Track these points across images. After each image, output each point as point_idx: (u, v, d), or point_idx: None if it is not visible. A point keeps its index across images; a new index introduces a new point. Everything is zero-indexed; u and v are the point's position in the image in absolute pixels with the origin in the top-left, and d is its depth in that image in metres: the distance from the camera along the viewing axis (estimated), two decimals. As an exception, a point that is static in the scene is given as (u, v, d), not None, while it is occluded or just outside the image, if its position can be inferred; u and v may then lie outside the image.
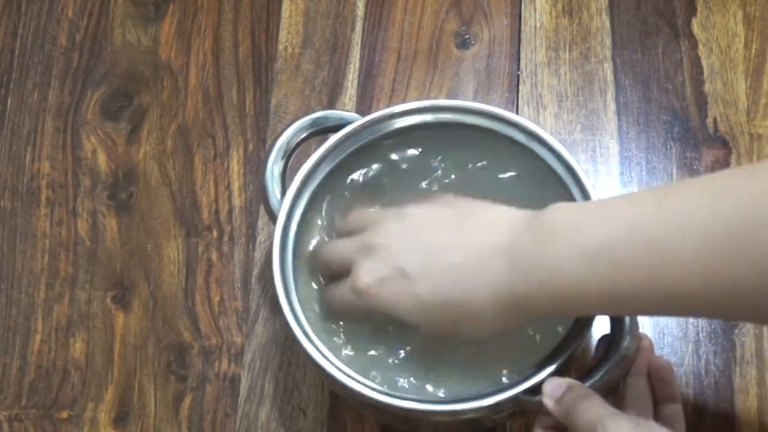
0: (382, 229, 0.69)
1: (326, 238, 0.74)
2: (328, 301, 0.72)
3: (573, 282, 0.61)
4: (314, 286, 0.74)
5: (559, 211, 0.63)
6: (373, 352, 0.71)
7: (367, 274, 0.68)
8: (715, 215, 0.56)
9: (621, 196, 0.64)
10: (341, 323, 0.72)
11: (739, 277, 0.55)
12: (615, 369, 0.66)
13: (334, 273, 0.72)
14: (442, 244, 0.66)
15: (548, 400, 0.65)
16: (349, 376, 0.68)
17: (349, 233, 0.72)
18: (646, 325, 0.79)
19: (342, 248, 0.71)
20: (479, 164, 0.76)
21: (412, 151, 0.77)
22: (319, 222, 0.75)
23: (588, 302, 0.62)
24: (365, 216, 0.72)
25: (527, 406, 0.67)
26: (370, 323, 0.71)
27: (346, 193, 0.75)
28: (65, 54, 0.90)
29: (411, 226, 0.68)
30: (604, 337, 0.69)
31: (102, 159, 0.86)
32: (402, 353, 0.71)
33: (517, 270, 0.63)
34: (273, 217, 0.73)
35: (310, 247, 0.74)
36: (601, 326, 0.71)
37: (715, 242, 0.56)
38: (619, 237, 0.59)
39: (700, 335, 0.79)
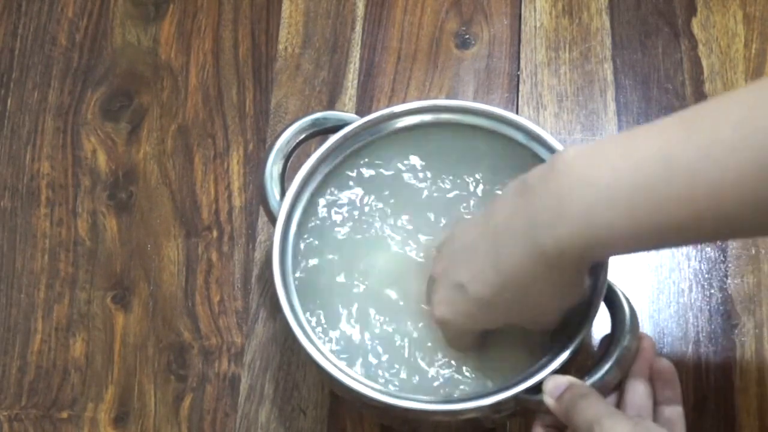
0: (437, 262, 0.71)
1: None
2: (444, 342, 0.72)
3: (606, 226, 0.58)
4: None
5: (571, 157, 0.60)
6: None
7: (437, 306, 0.69)
8: (751, 135, 0.54)
9: (640, 129, 0.59)
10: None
11: None
12: (615, 368, 0.66)
13: None
14: (475, 242, 0.66)
15: (548, 399, 0.65)
16: (349, 376, 0.68)
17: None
18: (646, 325, 0.79)
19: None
20: (476, 175, 0.76)
21: (410, 153, 0.77)
22: (318, 223, 0.75)
23: (625, 244, 0.59)
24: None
25: (528, 405, 0.67)
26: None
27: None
28: (65, 54, 0.90)
29: (449, 247, 0.69)
30: (605, 337, 0.69)
31: (102, 159, 0.86)
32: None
33: (541, 227, 0.60)
34: (272, 218, 0.73)
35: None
36: (602, 325, 0.71)
37: (755, 163, 0.54)
38: (653, 176, 0.56)
39: (700, 335, 0.79)
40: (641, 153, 0.57)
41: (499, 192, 0.74)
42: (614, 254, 0.64)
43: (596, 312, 0.68)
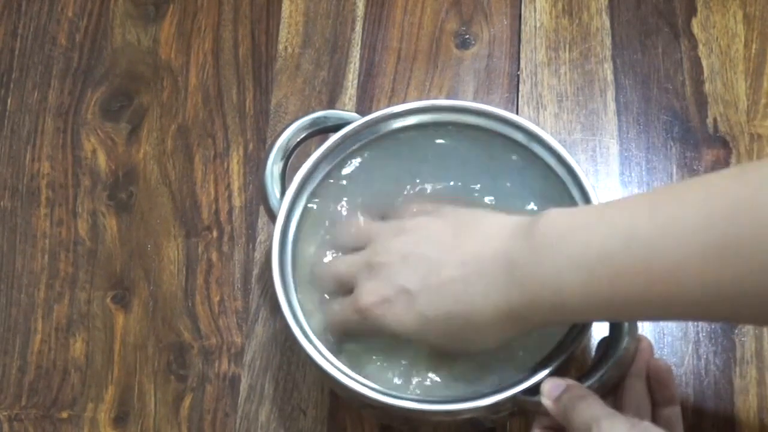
0: (381, 246, 0.69)
1: (326, 251, 0.74)
2: (330, 318, 0.71)
3: (571, 292, 0.61)
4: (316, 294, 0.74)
5: (554, 220, 0.63)
6: (373, 365, 0.71)
7: (370, 295, 0.68)
8: (710, 218, 0.56)
9: (615, 202, 0.63)
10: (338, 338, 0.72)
11: (742, 279, 0.55)
12: (613, 370, 0.66)
13: (336, 291, 0.72)
14: (440, 259, 0.66)
15: (546, 400, 0.65)
16: (348, 376, 0.68)
17: (348, 248, 0.72)
18: (646, 325, 0.79)
19: (343, 267, 0.72)
20: (475, 175, 0.76)
21: (410, 153, 0.77)
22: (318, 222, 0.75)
23: (587, 311, 0.62)
24: (364, 231, 0.73)
25: (526, 406, 0.67)
26: (368, 341, 0.71)
27: (343, 202, 0.75)
28: (65, 54, 0.90)
29: (410, 241, 0.68)
30: (603, 339, 0.69)
31: (102, 159, 0.86)
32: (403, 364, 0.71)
33: (514, 280, 0.63)
34: (273, 217, 0.73)
35: (309, 260, 0.74)
36: (601, 327, 0.71)
37: (713, 246, 0.56)
38: (615, 247, 0.59)
39: (700, 335, 0.79)
40: (610, 225, 0.60)
41: (490, 200, 0.74)
42: (590, 320, 0.68)
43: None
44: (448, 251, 0.66)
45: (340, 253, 0.73)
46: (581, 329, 0.68)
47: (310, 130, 0.76)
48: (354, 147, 0.75)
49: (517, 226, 0.64)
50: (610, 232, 0.60)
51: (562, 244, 0.61)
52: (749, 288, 0.55)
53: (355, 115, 0.76)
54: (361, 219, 0.74)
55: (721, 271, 0.55)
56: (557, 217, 0.63)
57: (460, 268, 0.65)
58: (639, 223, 0.59)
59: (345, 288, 0.70)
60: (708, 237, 0.56)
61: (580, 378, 0.66)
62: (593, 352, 0.71)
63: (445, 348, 0.69)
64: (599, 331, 0.73)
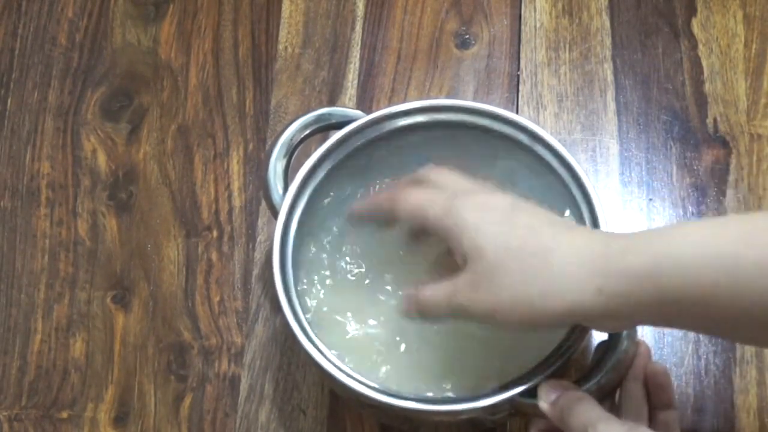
0: (474, 231, 0.63)
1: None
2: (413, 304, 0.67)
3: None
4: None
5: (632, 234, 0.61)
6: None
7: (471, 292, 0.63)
8: None
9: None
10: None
11: None
12: (611, 373, 0.66)
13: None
14: (535, 257, 0.62)
15: (543, 403, 0.65)
16: (349, 375, 0.68)
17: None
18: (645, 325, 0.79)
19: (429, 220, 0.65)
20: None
21: (414, 152, 0.77)
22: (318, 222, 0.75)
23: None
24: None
25: (523, 408, 0.67)
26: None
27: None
28: (65, 54, 0.90)
29: (503, 226, 0.63)
30: (602, 342, 0.69)
31: (102, 159, 0.86)
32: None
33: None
34: (275, 213, 0.73)
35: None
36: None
37: None
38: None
39: (700, 335, 0.79)
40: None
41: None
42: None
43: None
44: (539, 249, 0.62)
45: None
46: (580, 332, 0.68)
47: (314, 127, 0.76)
48: (357, 144, 0.75)
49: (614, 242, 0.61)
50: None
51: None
52: None
53: (359, 112, 0.76)
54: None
55: None
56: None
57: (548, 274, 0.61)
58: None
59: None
60: None
61: (578, 381, 0.66)
62: (592, 356, 0.71)
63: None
64: (598, 333, 0.73)
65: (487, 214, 0.63)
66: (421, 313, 0.66)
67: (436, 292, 0.64)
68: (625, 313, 0.59)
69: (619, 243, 0.60)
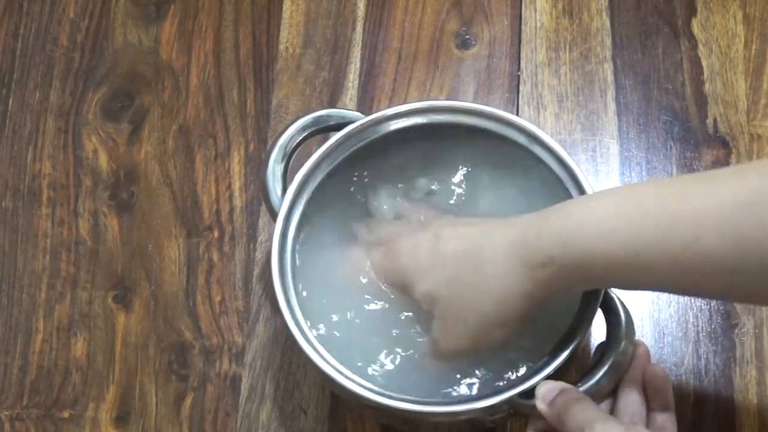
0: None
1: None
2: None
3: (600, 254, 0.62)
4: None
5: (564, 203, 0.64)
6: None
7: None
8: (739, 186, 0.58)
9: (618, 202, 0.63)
10: None
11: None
12: (610, 374, 0.67)
13: None
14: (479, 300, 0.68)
15: (541, 404, 0.65)
16: (347, 377, 0.68)
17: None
18: (646, 325, 0.80)
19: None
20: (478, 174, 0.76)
21: (413, 153, 0.77)
22: (319, 221, 0.75)
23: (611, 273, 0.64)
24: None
25: (521, 409, 0.67)
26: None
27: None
28: (66, 54, 0.90)
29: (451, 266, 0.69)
30: (601, 344, 0.69)
31: (103, 159, 0.86)
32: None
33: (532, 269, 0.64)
34: (274, 215, 0.73)
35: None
36: (599, 331, 0.71)
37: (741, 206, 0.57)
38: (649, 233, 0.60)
39: (700, 335, 0.79)
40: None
41: (491, 201, 0.75)
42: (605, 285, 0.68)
43: (593, 317, 0.68)
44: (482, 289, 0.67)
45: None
46: (578, 333, 0.68)
47: (312, 129, 0.76)
48: (356, 147, 0.75)
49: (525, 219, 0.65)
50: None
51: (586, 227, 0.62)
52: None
53: (357, 114, 0.76)
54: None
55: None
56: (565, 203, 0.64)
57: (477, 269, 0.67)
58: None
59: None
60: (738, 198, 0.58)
61: (577, 382, 0.66)
62: (591, 357, 0.71)
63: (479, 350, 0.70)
64: (598, 333, 0.73)
65: (419, 257, 0.69)
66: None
67: (426, 351, 0.71)
68: (564, 285, 0.64)
69: (533, 228, 0.64)
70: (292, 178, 0.73)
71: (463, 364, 0.71)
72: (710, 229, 0.58)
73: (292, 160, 0.75)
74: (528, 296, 0.65)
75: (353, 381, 0.68)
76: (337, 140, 0.74)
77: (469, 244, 0.67)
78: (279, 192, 0.74)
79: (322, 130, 0.76)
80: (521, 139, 0.74)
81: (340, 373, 0.68)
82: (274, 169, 0.74)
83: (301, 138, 0.75)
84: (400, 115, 0.75)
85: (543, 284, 0.64)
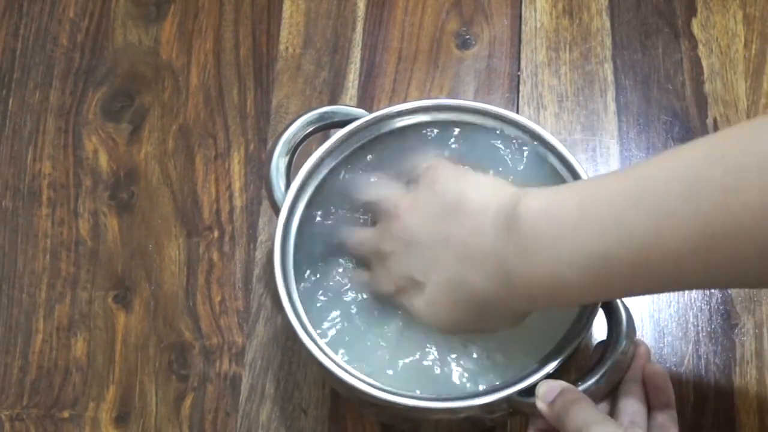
0: (387, 233, 0.71)
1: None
2: (356, 286, 0.74)
3: (566, 286, 0.62)
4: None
5: (535, 217, 0.63)
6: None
7: (385, 284, 0.71)
8: (699, 209, 0.56)
9: (596, 193, 0.62)
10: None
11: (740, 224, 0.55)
12: (610, 374, 0.66)
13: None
14: (437, 253, 0.67)
15: (541, 403, 0.65)
16: (349, 373, 0.68)
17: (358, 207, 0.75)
18: (646, 325, 0.80)
19: (356, 245, 0.74)
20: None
21: (415, 151, 0.77)
22: (321, 218, 0.75)
23: (585, 298, 0.66)
24: (373, 202, 0.74)
25: (521, 407, 0.67)
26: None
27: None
28: (66, 54, 0.90)
29: (408, 227, 0.69)
30: (601, 343, 0.69)
31: (103, 159, 0.86)
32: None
33: (509, 279, 0.64)
34: (277, 211, 0.73)
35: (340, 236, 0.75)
36: (600, 330, 0.71)
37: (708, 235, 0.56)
38: (608, 248, 0.60)
39: (700, 335, 0.79)
40: (598, 223, 0.61)
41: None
42: (579, 304, 0.68)
43: (594, 316, 0.68)
44: (443, 243, 0.67)
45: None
46: (579, 332, 0.68)
47: (317, 125, 0.76)
48: (360, 143, 0.75)
49: (501, 216, 0.64)
50: (600, 231, 0.60)
51: (550, 248, 0.62)
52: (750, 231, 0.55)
53: (362, 111, 0.76)
54: (373, 180, 0.75)
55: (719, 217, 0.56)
56: (538, 212, 0.63)
57: (457, 264, 0.66)
58: (628, 221, 0.59)
59: (360, 260, 0.73)
60: (701, 187, 0.56)
61: (577, 381, 0.66)
62: (591, 356, 0.71)
63: (456, 331, 0.70)
64: (598, 332, 0.73)
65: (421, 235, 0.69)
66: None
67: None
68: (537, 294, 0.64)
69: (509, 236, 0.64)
70: (296, 174, 0.73)
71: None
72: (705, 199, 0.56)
73: (295, 156, 0.75)
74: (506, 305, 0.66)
75: (355, 377, 0.68)
76: (341, 136, 0.74)
77: (460, 241, 0.67)
78: (282, 187, 0.74)
79: (326, 126, 0.76)
80: (522, 137, 0.74)
81: (342, 368, 0.68)
82: (278, 163, 0.74)
83: (305, 134, 0.75)
84: (405, 112, 0.75)
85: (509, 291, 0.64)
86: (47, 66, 0.89)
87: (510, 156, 0.75)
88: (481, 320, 0.68)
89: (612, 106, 0.86)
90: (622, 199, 0.60)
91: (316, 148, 0.74)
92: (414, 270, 0.68)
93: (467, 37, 0.89)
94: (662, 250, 0.58)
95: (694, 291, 0.80)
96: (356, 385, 0.67)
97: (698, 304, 0.80)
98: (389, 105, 0.82)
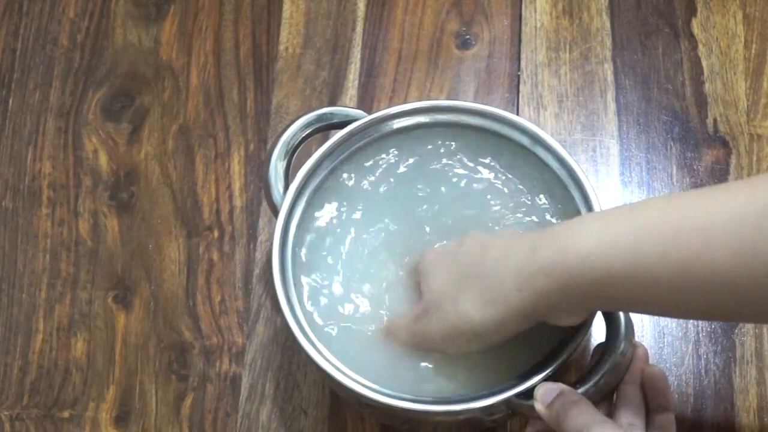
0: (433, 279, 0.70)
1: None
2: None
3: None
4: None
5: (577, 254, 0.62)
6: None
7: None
8: (738, 215, 0.56)
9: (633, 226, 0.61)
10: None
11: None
12: (609, 376, 0.66)
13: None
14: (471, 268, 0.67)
15: (539, 405, 0.65)
16: (348, 376, 0.68)
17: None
18: (645, 324, 0.80)
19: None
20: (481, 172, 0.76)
21: (415, 152, 0.77)
22: (319, 221, 0.75)
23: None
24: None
25: (520, 410, 0.67)
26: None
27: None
28: (66, 54, 0.90)
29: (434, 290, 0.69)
30: (600, 345, 0.69)
31: (103, 159, 0.86)
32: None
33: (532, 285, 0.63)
34: (275, 212, 0.73)
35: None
36: (599, 332, 0.71)
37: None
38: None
39: (700, 335, 0.79)
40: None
41: (492, 200, 0.74)
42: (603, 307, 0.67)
43: (593, 319, 0.68)
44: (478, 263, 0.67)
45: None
46: (578, 334, 0.68)
47: (315, 126, 0.76)
48: (358, 145, 0.75)
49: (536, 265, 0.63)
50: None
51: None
52: None
53: (360, 112, 0.76)
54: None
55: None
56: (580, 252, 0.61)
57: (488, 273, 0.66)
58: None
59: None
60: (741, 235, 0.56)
61: (576, 383, 0.66)
62: (590, 358, 0.71)
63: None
64: (597, 334, 0.73)
65: (440, 258, 0.69)
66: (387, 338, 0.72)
67: (400, 320, 0.71)
68: (546, 304, 0.63)
69: (533, 241, 0.63)
70: (294, 176, 0.73)
71: (413, 353, 0.70)
72: (718, 242, 0.56)
73: (294, 157, 0.75)
74: (509, 307, 0.64)
75: (353, 379, 0.68)
76: (340, 138, 0.74)
77: (485, 247, 0.67)
78: (281, 189, 0.74)
79: (325, 127, 0.76)
80: (523, 139, 0.74)
81: (340, 371, 0.68)
82: (277, 165, 0.74)
83: (304, 135, 0.75)
84: (403, 113, 0.75)
85: (524, 298, 0.63)
86: (47, 66, 0.90)
87: (508, 159, 0.75)
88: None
89: (612, 106, 0.86)
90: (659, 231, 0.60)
91: (316, 149, 0.74)
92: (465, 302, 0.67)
93: (467, 37, 0.89)
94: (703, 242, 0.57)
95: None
96: (355, 388, 0.67)
97: (698, 304, 0.80)
98: (389, 105, 0.82)
